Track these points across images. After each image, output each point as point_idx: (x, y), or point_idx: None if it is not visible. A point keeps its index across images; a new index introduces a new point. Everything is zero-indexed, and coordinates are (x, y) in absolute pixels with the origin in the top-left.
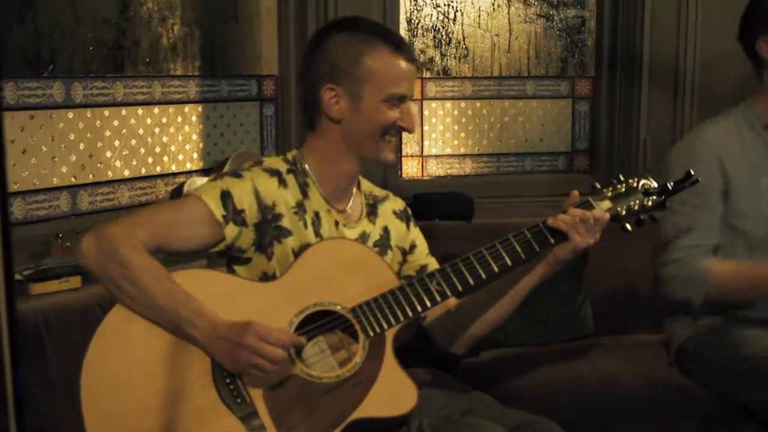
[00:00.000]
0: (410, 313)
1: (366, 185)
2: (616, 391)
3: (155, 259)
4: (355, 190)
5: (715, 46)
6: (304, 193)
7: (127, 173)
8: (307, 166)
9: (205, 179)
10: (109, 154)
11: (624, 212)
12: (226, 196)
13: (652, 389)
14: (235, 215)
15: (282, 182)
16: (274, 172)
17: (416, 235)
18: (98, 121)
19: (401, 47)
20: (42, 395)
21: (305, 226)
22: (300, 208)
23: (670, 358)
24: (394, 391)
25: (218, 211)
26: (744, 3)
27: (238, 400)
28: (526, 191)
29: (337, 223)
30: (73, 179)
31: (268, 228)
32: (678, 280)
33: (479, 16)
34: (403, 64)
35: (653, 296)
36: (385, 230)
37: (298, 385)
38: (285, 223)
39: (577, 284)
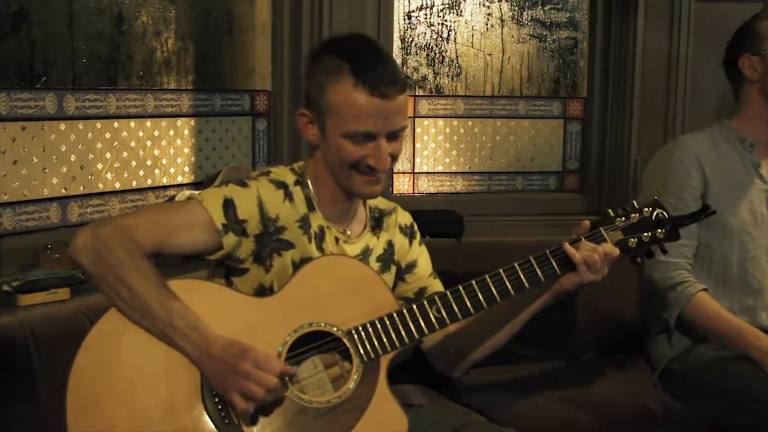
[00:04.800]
0: (407, 340)
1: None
2: (604, 411)
3: (152, 265)
4: (359, 206)
5: (706, 68)
6: (310, 206)
7: (117, 185)
8: (309, 183)
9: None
10: (100, 166)
11: (635, 244)
12: (228, 205)
13: (640, 409)
14: (236, 225)
15: (288, 195)
16: (281, 185)
17: (419, 254)
18: (90, 133)
19: (369, 82)
20: (27, 408)
21: (309, 240)
22: (305, 221)
23: (654, 378)
24: (384, 420)
25: (219, 220)
26: (734, 26)
27: (226, 421)
28: (517, 210)
29: (337, 240)
30: (63, 191)
31: (269, 240)
32: (662, 297)
33: (473, 36)
34: (370, 100)
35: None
36: (390, 244)
37: (287, 409)
38: (287, 236)
39: (567, 303)
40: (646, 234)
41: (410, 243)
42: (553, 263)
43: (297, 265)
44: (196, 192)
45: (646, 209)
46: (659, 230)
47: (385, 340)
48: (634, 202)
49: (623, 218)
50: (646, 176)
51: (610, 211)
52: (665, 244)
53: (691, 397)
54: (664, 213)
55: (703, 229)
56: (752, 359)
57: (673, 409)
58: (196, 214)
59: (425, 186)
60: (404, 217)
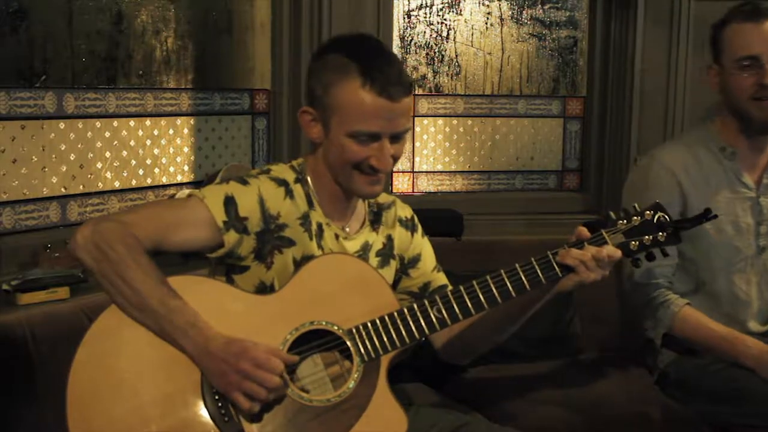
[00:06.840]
0: (407, 340)
1: None
2: (604, 411)
3: (152, 261)
4: (358, 202)
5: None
6: (310, 204)
7: (117, 184)
8: (308, 179)
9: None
10: (99, 165)
11: (636, 247)
12: (229, 202)
13: (641, 408)
14: (237, 222)
15: (289, 193)
16: (282, 182)
17: (422, 247)
18: (89, 132)
19: (378, 82)
20: (28, 406)
21: (310, 237)
22: (306, 219)
23: (652, 382)
24: (384, 419)
25: (220, 217)
26: None
27: (225, 418)
28: (517, 209)
29: (337, 236)
30: (63, 190)
31: (270, 237)
32: (645, 318)
33: (472, 35)
34: (377, 101)
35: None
36: (389, 239)
37: (287, 407)
38: (288, 233)
39: (566, 302)
40: (647, 237)
41: (412, 236)
42: (554, 265)
43: (298, 263)
44: (197, 190)
45: (648, 212)
46: (660, 233)
47: (385, 339)
48: (636, 205)
49: (625, 221)
50: (625, 193)
51: (611, 213)
52: (666, 248)
53: (692, 400)
54: (666, 216)
55: (687, 244)
56: (746, 367)
57: (672, 410)
58: (197, 212)
59: (425, 185)
60: (404, 210)
